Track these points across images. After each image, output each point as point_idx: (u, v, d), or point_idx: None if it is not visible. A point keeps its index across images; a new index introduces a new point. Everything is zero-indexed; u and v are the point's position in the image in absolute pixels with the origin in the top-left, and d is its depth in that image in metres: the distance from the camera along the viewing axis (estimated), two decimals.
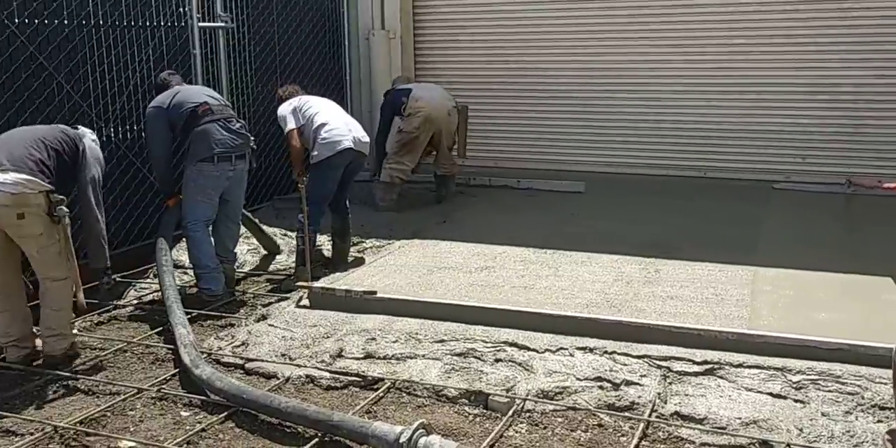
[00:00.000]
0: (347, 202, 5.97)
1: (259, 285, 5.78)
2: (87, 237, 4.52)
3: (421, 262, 5.68)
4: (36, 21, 5.48)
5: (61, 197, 4.14)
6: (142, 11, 6.29)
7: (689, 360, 3.94)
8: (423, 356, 4.18)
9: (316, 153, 5.61)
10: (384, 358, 4.19)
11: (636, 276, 5.26)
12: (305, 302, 4.92)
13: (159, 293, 5.51)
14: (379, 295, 4.73)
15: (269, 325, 4.67)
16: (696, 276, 5.23)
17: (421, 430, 3.18)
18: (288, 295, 5.29)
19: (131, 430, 3.60)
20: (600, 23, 8.46)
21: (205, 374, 3.82)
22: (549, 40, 8.69)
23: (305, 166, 5.79)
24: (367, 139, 5.81)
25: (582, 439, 3.46)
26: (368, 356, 4.22)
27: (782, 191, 7.84)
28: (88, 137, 4.56)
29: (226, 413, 3.67)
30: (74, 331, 4.58)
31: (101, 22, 5.96)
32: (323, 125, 5.63)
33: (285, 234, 6.55)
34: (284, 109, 5.82)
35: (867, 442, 3.31)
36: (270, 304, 5.21)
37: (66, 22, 5.69)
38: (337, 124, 5.67)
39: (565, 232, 6.40)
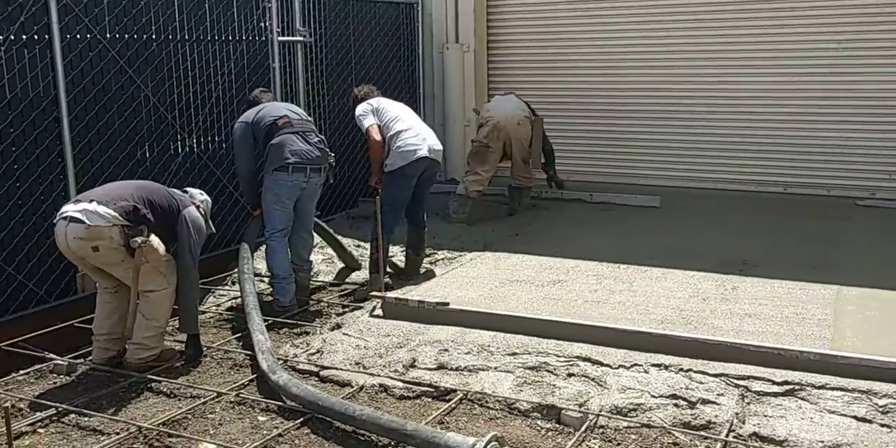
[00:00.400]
0: (425, 215, 5.99)
1: (333, 294, 5.87)
2: (179, 303, 4.51)
3: (493, 275, 5.69)
4: (126, 36, 5.71)
5: (140, 227, 4.20)
6: (225, 26, 6.49)
7: (769, 380, 3.85)
8: (496, 368, 4.18)
9: (390, 162, 5.65)
10: (456, 369, 4.21)
11: (713, 293, 5.16)
12: (379, 312, 4.98)
13: (236, 300, 5.67)
14: (451, 306, 4.75)
15: (344, 333, 4.74)
16: (775, 294, 5.10)
17: (494, 443, 3.19)
18: (361, 304, 5.36)
19: (211, 432, 3.69)
20: (680, 36, 8.36)
21: (281, 380, 3.89)
22: (627, 54, 8.62)
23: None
24: (440, 147, 5.82)
25: None
26: (441, 367, 4.24)
27: (866, 208, 7.59)
28: (197, 200, 4.65)
29: (302, 419, 3.74)
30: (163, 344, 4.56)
31: (186, 37, 6.17)
32: (398, 133, 5.65)
33: (359, 245, 6.64)
34: (363, 109, 5.86)
35: None
36: (344, 313, 5.29)
37: (153, 37, 5.91)
38: (412, 133, 5.69)
39: (640, 247, 6.32)
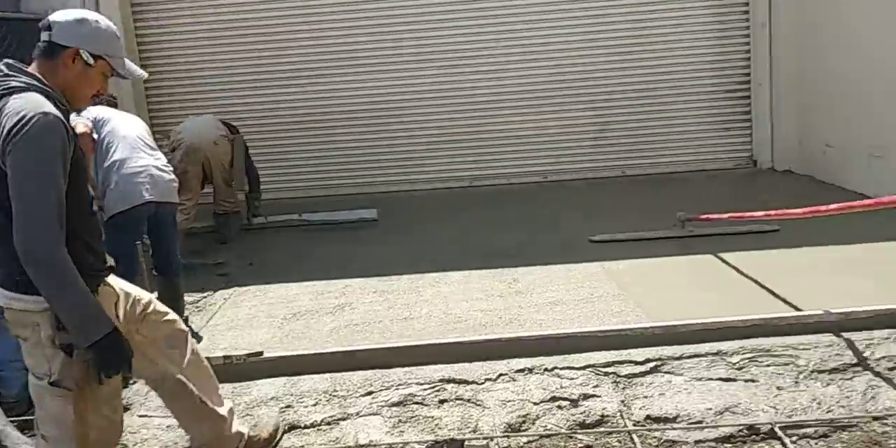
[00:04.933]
0: (178, 255, 4.88)
1: None
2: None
3: (267, 312, 5.00)
4: None
5: None
6: None
7: (632, 362, 3.90)
8: (358, 414, 3.64)
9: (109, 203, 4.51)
10: (312, 426, 3.58)
11: (504, 290, 5.10)
12: None
13: None
14: (266, 355, 4.04)
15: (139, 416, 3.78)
16: (560, 277, 5.23)
17: None
18: None
19: None
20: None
21: None
22: (305, 55, 8.31)
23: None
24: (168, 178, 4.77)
25: None
26: (293, 428, 3.58)
27: (548, 186, 8.24)
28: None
29: None
30: None
31: None
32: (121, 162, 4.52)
33: None
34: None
35: (835, 404, 3.49)
36: None
37: None
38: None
39: (384, 257, 6.05)
